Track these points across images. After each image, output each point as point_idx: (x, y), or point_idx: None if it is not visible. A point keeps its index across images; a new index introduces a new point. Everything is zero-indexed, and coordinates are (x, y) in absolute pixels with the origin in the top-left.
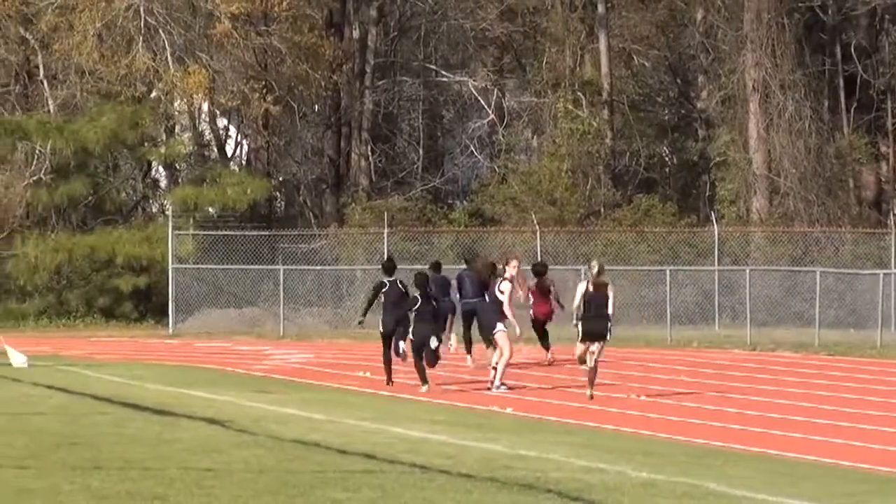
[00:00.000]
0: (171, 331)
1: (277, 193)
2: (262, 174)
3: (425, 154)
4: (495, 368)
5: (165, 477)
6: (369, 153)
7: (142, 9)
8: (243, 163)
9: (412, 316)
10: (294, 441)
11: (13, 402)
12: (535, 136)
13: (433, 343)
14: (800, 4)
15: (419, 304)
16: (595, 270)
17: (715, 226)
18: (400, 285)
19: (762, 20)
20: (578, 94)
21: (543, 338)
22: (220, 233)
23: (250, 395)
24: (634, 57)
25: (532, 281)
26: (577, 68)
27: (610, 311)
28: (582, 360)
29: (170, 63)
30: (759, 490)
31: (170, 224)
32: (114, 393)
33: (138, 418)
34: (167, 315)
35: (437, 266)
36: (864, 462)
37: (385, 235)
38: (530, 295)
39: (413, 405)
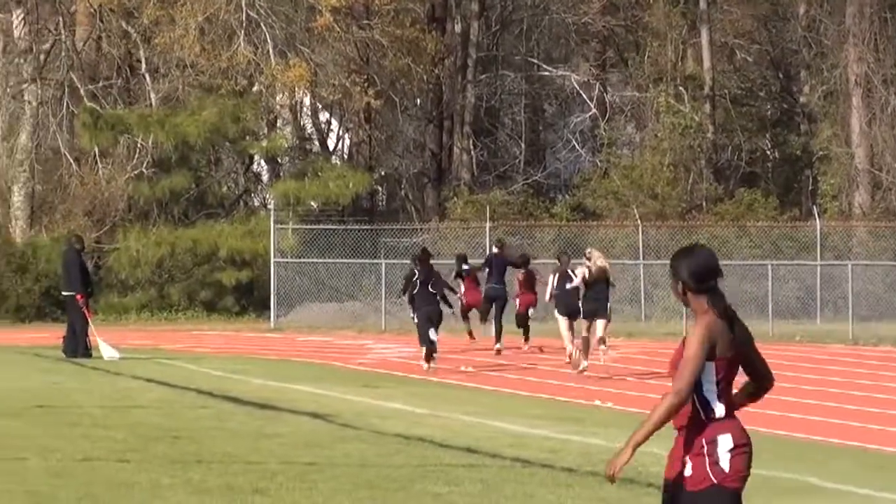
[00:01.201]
0: (272, 325)
1: (379, 187)
2: (363, 168)
3: (527, 148)
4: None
5: (267, 471)
6: (471, 147)
7: (243, 2)
8: (345, 156)
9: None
10: (396, 435)
11: (114, 395)
12: (636, 131)
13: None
14: None
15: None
16: (593, 259)
17: (817, 220)
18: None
19: (864, 14)
20: (680, 88)
21: (523, 326)
22: (321, 227)
23: (352, 389)
24: (736, 51)
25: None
26: (679, 63)
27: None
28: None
29: (271, 56)
30: (861, 485)
31: (272, 218)
32: (215, 387)
33: (240, 412)
34: (269, 309)
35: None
36: None
37: (487, 229)
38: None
39: (515, 399)
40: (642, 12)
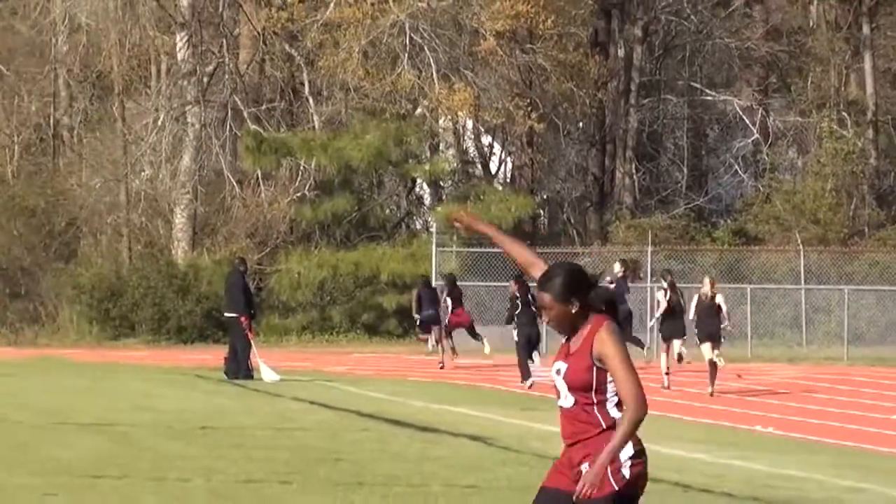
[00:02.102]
0: (430, 348)
1: (541, 211)
2: (525, 192)
3: (689, 173)
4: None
5: (430, 494)
6: (633, 171)
7: (407, 26)
8: (507, 180)
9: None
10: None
11: (276, 417)
12: (799, 156)
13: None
14: None
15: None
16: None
17: None
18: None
19: None
20: (843, 113)
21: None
22: (483, 250)
23: (513, 412)
24: None
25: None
26: (843, 88)
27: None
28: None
29: (435, 80)
30: None
31: (434, 241)
32: (376, 409)
33: (401, 435)
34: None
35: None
36: None
37: (649, 253)
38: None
39: (676, 424)
40: (805, 38)
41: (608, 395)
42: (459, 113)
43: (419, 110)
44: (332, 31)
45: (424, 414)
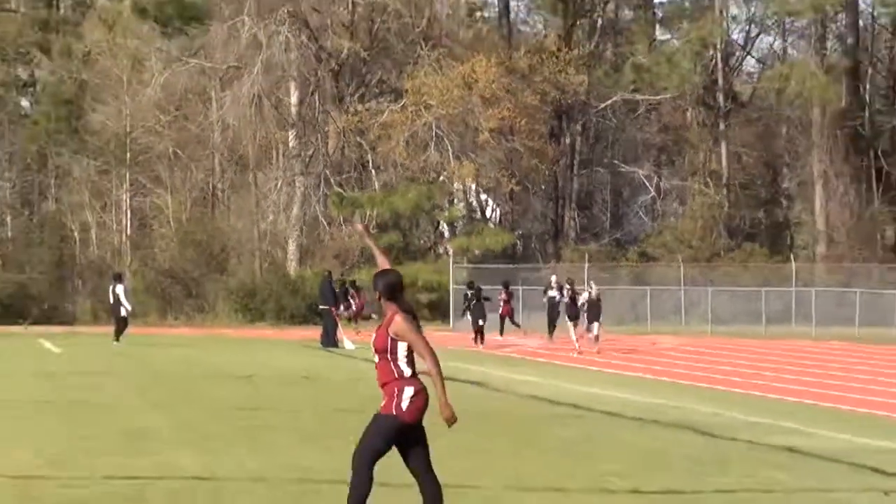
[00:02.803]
0: (451, 326)
1: (518, 241)
2: (508, 229)
3: (611, 217)
4: None
5: (463, 414)
6: (576, 216)
7: (433, 125)
8: (497, 222)
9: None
10: (528, 396)
11: (352, 371)
12: (680, 206)
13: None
14: None
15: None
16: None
17: (793, 263)
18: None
19: (823, 133)
20: (707, 179)
21: None
22: (483, 266)
23: (499, 367)
24: (743, 155)
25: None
26: (707, 163)
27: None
28: None
29: (451, 158)
30: None
31: (451, 261)
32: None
33: (428, 382)
34: (449, 318)
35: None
36: None
37: (586, 268)
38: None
39: (592, 374)
40: (684, 131)
41: (398, 356)
42: (466, 180)
43: (441, 178)
44: (387, 128)
45: (444, 369)
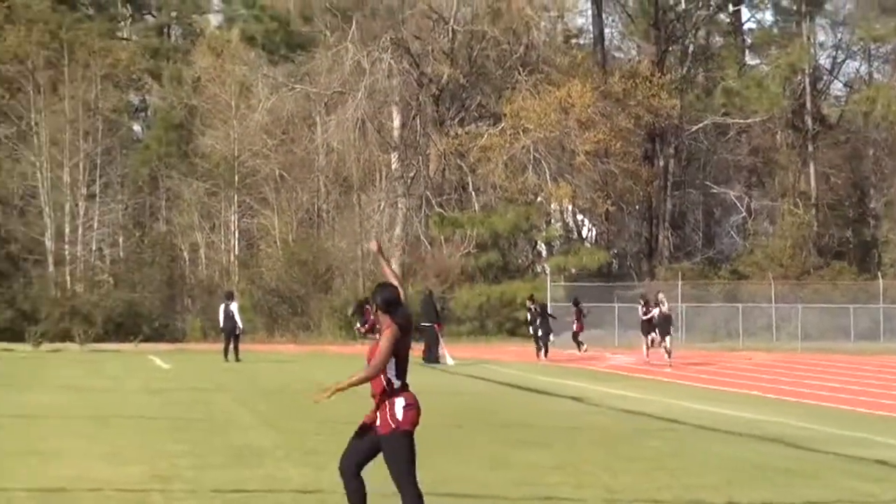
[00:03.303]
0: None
1: (613, 260)
2: (604, 248)
3: (703, 237)
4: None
5: (546, 433)
6: (669, 236)
7: (531, 148)
8: (592, 241)
9: None
10: (623, 411)
11: (452, 386)
12: (770, 226)
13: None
14: None
15: None
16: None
17: (880, 280)
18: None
19: None
20: (796, 199)
21: None
22: (579, 284)
23: (592, 383)
24: (831, 176)
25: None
26: (796, 184)
27: None
28: None
29: (548, 180)
30: None
31: (548, 279)
32: (510, 380)
33: (527, 397)
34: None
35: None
36: None
37: (679, 286)
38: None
39: (672, 387)
40: (774, 153)
41: (388, 369)
42: (563, 201)
43: (539, 199)
44: (486, 151)
45: (542, 384)
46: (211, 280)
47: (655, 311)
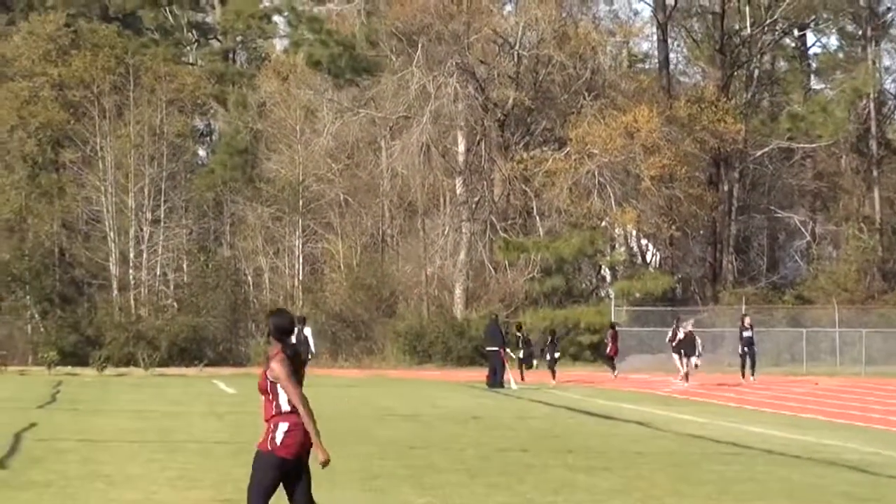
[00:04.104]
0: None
1: (678, 285)
2: (668, 273)
3: (767, 261)
4: None
5: (610, 457)
6: (733, 260)
7: (596, 173)
8: (657, 266)
9: None
10: (688, 435)
11: (518, 411)
12: (835, 250)
13: None
14: None
15: None
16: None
17: None
18: None
19: None
20: (861, 224)
21: None
22: (643, 308)
23: (658, 406)
24: (895, 201)
25: None
26: (860, 208)
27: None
28: None
29: (612, 205)
30: None
31: (612, 303)
32: (574, 405)
33: (591, 421)
34: (612, 360)
35: None
36: None
37: (743, 310)
38: None
39: (723, 409)
40: (838, 178)
41: (278, 395)
42: (628, 226)
43: (603, 223)
44: (551, 176)
45: (606, 408)
46: (275, 305)
47: (681, 333)
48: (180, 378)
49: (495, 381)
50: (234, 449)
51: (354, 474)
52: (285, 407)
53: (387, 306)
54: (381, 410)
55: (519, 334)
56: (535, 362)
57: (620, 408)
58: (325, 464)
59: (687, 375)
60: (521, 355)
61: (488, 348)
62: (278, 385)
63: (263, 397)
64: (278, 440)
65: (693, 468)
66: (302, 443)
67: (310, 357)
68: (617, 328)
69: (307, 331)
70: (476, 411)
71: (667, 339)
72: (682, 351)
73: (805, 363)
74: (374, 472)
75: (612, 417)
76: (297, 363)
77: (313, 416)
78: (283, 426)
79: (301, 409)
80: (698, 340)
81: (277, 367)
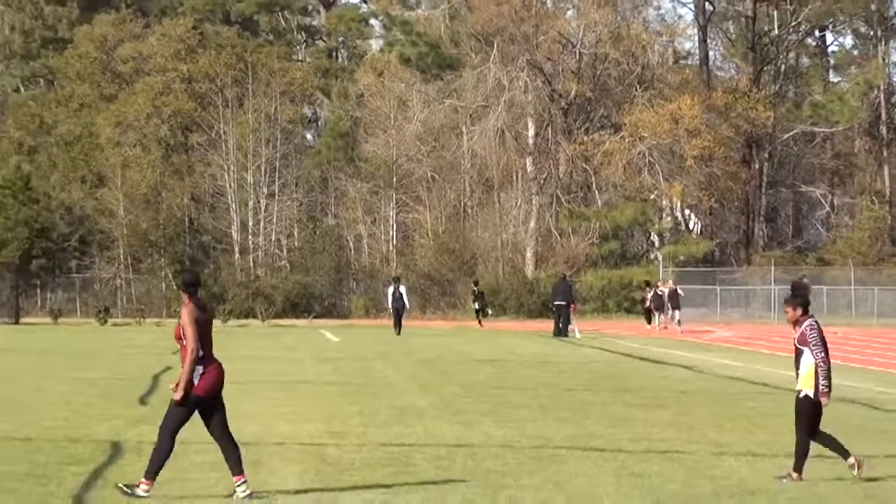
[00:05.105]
0: (657, 322)
1: (716, 249)
2: (707, 239)
3: (792, 229)
4: None
5: (661, 395)
6: (763, 228)
7: (647, 153)
8: (698, 233)
9: None
10: (726, 377)
11: (581, 356)
12: (850, 220)
13: None
14: None
15: None
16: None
17: None
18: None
19: None
20: (873, 197)
21: None
22: (687, 269)
23: (692, 351)
24: None
25: None
26: (873, 183)
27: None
28: None
29: (661, 180)
30: None
31: (660, 265)
32: (629, 350)
33: (645, 365)
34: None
35: None
36: None
37: (772, 271)
38: None
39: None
40: (854, 157)
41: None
42: (675, 198)
43: (653, 196)
44: (608, 156)
45: (657, 354)
46: (372, 266)
47: (665, 290)
48: (292, 328)
49: (560, 331)
50: (340, 389)
51: (444, 410)
52: (199, 352)
53: (468, 267)
54: (465, 356)
55: (475, 289)
56: (489, 311)
57: (669, 354)
58: (177, 402)
59: (668, 325)
60: (476, 306)
61: (556, 302)
62: (188, 331)
63: (179, 345)
64: (195, 381)
65: (731, 405)
66: (215, 383)
67: (405, 311)
68: (657, 287)
69: (402, 289)
70: (545, 357)
71: (648, 302)
72: (670, 304)
73: (825, 316)
74: (459, 408)
75: (662, 362)
76: (204, 312)
77: (189, 363)
78: (199, 369)
79: (189, 352)
80: (681, 294)
81: (184, 314)
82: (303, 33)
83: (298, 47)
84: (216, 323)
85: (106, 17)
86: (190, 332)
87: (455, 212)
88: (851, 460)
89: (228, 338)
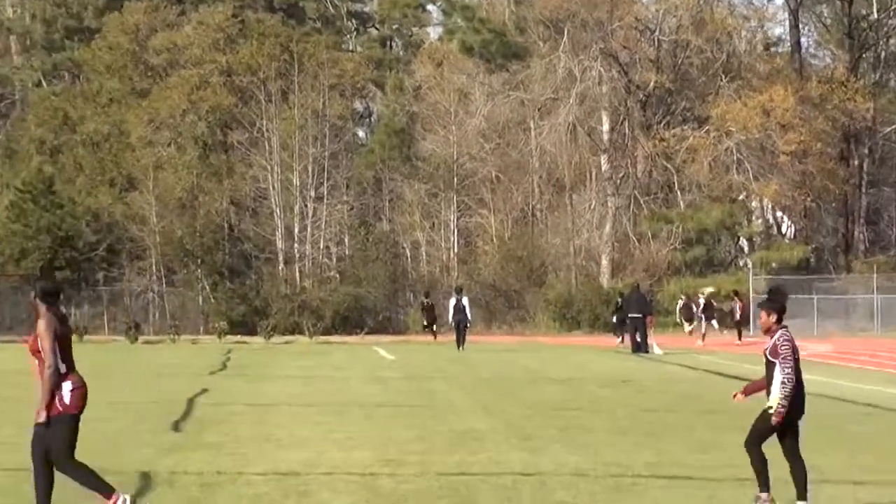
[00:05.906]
0: (751, 333)
1: (812, 255)
2: (802, 243)
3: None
4: None
5: (752, 418)
6: (864, 231)
7: (734, 149)
8: (792, 236)
9: None
10: (827, 396)
11: (663, 375)
12: None
13: None
14: None
15: None
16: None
17: None
18: None
19: None
20: None
21: None
22: (780, 277)
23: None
24: None
25: None
26: None
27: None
28: None
29: (750, 179)
30: None
31: (750, 272)
32: (714, 368)
33: (730, 382)
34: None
35: None
36: None
37: (874, 278)
38: None
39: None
40: None
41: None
42: (765, 199)
43: (741, 196)
44: (691, 152)
45: (743, 370)
46: (432, 276)
47: (701, 300)
48: (343, 345)
49: (640, 346)
50: (394, 411)
51: (510, 434)
52: (63, 368)
53: (537, 276)
54: (534, 374)
55: (425, 301)
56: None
57: (757, 371)
58: (41, 424)
59: (704, 336)
60: (425, 322)
61: (632, 315)
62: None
63: (36, 359)
64: (67, 399)
65: (831, 428)
66: (84, 395)
67: (468, 325)
68: (742, 296)
69: (464, 300)
70: (623, 375)
71: (687, 310)
72: (705, 315)
73: None
74: (527, 433)
75: (750, 379)
76: (64, 324)
77: (50, 380)
78: (67, 385)
79: (43, 366)
80: (715, 305)
81: (41, 325)
82: (353, 20)
83: (349, 36)
84: (258, 340)
85: (137, 4)
86: (48, 345)
87: (522, 215)
88: (764, 496)
89: (272, 356)
